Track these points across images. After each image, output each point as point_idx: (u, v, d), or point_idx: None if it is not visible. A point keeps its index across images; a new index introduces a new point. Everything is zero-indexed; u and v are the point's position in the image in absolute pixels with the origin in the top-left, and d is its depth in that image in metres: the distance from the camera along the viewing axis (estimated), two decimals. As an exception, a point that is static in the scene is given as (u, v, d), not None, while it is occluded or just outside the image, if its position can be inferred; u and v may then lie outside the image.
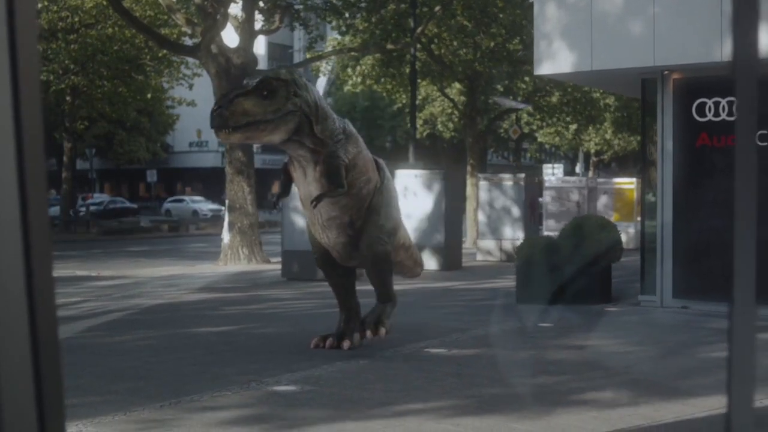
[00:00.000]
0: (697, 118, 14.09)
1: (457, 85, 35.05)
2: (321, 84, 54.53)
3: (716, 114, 13.96)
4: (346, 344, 10.60)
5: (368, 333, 10.69)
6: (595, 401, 8.15)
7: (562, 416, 7.61)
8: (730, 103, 13.80)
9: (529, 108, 37.90)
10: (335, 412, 7.77)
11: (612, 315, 13.88)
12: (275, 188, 11.38)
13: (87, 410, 7.73)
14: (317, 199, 9.99)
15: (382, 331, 10.71)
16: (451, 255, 22.56)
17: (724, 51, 13.32)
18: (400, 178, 23.07)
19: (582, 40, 14.63)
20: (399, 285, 19.12)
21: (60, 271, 21.78)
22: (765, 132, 12.74)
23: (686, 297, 14.37)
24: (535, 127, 45.96)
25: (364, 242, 10.61)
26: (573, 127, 45.09)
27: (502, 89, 36.22)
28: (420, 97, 42.73)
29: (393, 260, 11.12)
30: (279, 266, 20.98)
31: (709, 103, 14.00)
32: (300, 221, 20.27)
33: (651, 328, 12.67)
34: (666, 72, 14.38)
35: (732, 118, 12.59)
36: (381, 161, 11.34)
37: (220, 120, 9.26)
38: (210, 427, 7.33)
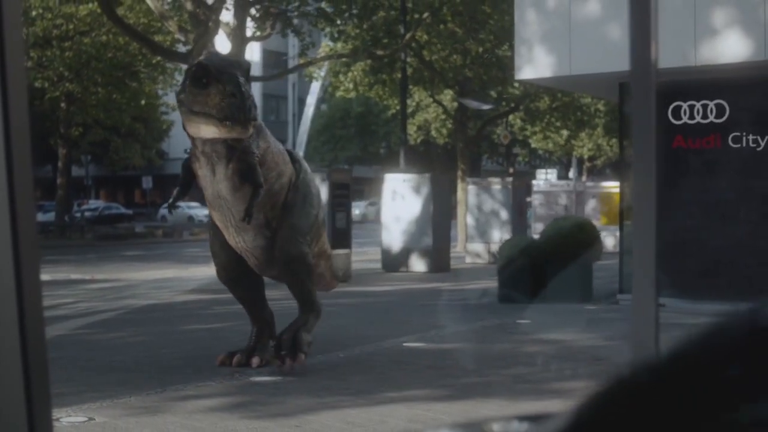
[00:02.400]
0: (673, 120, 14.50)
1: (449, 90, 35.49)
2: (314, 90, 54.94)
3: (691, 117, 14.37)
4: (255, 361, 9.70)
5: (287, 361, 9.31)
6: (564, 390, 8.53)
7: (531, 402, 8.00)
8: (704, 106, 14.23)
9: (497, 109, 38.11)
10: (313, 400, 8.16)
11: (590, 312, 14.28)
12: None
13: (76, 398, 8.12)
14: (247, 215, 9.11)
15: (301, 357, 9.36)
16: (438, 257, 22.95)
17: (698, 56, 13.75)
18: (389, 182, 23.52)
19: (561, 45, 15.05)
20: (386, 286, 19.63)
21: (55, 274, 22.15)
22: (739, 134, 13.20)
23: (664, 295, 14.75)
24: (528, 133, 46.37)
25: (276, 244, 9.72)
26: (565, 132, 45.50)
27: (495, 95, 36.66)
28: (413, 103, 43.16)
29: (312, 264, 10.10)
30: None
31: (684, 106, 14.41)
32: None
33: (625, 325, 13.06)
34: (643, 76, 14.79)
35: (706, 121, 12.98)
36: (296, 153, 10.72)
37: (247, 113, 8.53)
38: (193, 413, 7.70)
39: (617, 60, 14.59)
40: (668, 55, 14.10)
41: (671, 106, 14.53)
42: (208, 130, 8.77)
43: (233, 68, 8.71)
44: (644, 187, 4.18)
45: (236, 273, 10.13)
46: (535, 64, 15.50)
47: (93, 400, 8.13)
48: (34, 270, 3.91)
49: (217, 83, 8.50)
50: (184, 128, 9.19)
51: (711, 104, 14.22)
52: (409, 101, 40.46)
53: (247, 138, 8.99)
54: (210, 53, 9.31)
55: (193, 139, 9.20)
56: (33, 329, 3.64)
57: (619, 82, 15.26)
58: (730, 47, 13.59)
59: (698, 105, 14.27)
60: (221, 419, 7.53)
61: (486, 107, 32.49)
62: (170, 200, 9.88)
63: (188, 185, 9.69)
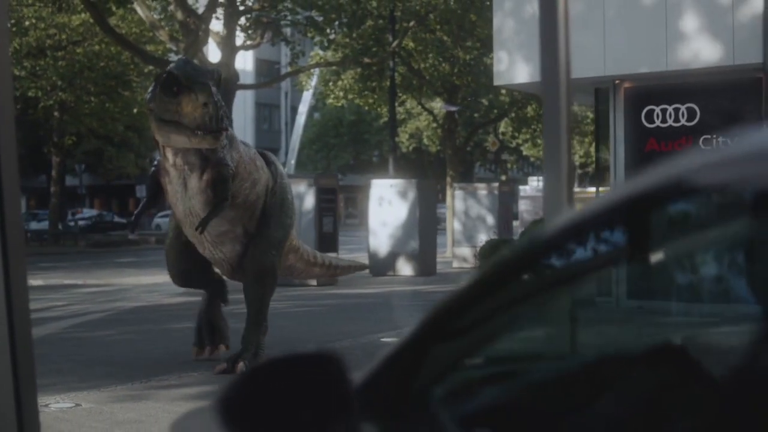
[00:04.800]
0: (646, 124, 14.93)
1: (439, 98, 35.96)
2: (306, 98, 55.35)
3: (663, 120, 14.80)
4: (218, 368, 9.40)
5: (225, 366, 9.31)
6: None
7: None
8: (676, 110, 14.65)
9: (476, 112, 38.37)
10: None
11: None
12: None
13: (64, 387, 8.57)
14: (203, 225, 9.01)
15: (240, 365, 9.27)
16: (425, 261, 23.35)
17: (669, 61, 14.19)
18: (376, 187, 23.95)
19: (536, 51, 15.47)
20: (372, 289, 20.02)
21: (48, 280, 22.58)
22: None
23: (641, 297, 15.15)
24: (520, 141, 46.79)
25: (250, 253, 9.63)
26: (553, 139, 45.85)
27: (486, 103, 37.14)
28: (405, 112, 43.64)
29: (277, 277, 10.27)
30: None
31: (657, 110, 14.84)
32: (278, 228, 21.09)
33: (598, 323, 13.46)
34: (617, 81, 15.22)
35: (678, 124, 13.44)
36: (270, 155, 10.41)
37: (219, 123, 8.49)
38: (175, 400, 8.12)
39: (592, 66, 15.03)
40: (641, 61, 14.56)
41: (644, 110, 14.96)
42: (179, 140, 8.60)
43: (205, 77, 8.60)
44: (554, 188, 4.71)
45: (193, 279, 10.49)
46: (512, 70, 15.94)
47: (80, 389, 8.58)
48: (21, 270, 4.42)
49: (188, 92, 8.36)
50: (154, 137, 9.06)
51: (682, 108, 14.64)
52: (400, 109, 40.94)
53: (219, 147, 8.81)
54: (181, 61, 9.05)
55: (163, 150, 8.99)
56: (20, 324, 4.14)
57: (594, 87, 15.70)
58: (700, 52, 14.03)
59: (670, 109, 14.70)
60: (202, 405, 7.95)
61: (453, 108, 32.87)
62: (133, 217, 10.15)
63: (155, 199, 9.59)
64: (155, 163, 9.56)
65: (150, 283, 22.26)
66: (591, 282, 2.01)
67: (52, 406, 7.92)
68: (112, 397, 8.25)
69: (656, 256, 1.86)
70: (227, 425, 1.81)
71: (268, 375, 1.86)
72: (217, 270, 10.45)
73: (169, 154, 8.98)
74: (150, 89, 8.96)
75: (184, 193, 9.06)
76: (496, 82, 16.56)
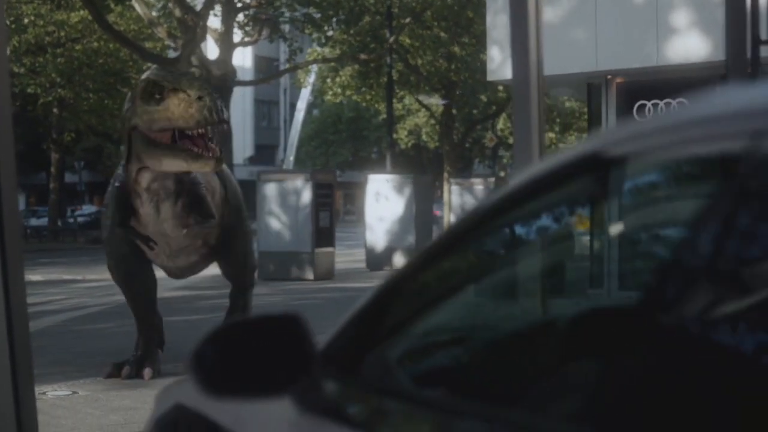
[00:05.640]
0: (638, 119, 15.11)
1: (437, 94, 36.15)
2: (305, 95, 55.51)
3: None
4: (147, 373, 8.83)
5: None
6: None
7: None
8: (667, 105, 14.81)
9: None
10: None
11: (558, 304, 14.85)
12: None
13: (62, 376, 8.77)
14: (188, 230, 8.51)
15: None
16: (421, 255, 23.51)
17: (660, 56, 14.36)
18: (373, 183, 24.14)
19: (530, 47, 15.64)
20: (368, 283, 20.18)
21: (47, 275, 22.77)
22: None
23: (632, 288, 15.35)
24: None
25: (231, 272, 9.50)
26: (551, 135, 46.09)
27: (485, 99, 37.30)
28: (404, 108, 43.81)
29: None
30: (257, 269, 21.94)
31: (648, 105, 15.00)
32: (275, 223, 21.29)
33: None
34: (609, 77, 15.39)
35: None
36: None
37: (220, 114, 7.62)
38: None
39: (585, 61, 15.20)
40: (632, 56, 14.72)
41: (636, 105, 15.12)
42: (174, 164, 7.81)
43: (188, 75, 8.14)
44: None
45: (132, 273, 9.30)
46: (505, 66, 16.10)
47: (77, 378, 8.76)
48: (18, 264, 4.61)
49: (175, 93, 7.52)
50: (130, 161, 8.18)
51: (674, 103, 14.81)
52: (398, 106, 41.12)
53: (216, 170, 8.25)
54: (154, 68, 8.66)
55: (136, 174, 8.18)
56: (18, 316, 4.33)
57: (587, 82, 15.86)
58: (691, 48, 14.19)
59: (661, 104, 14.86)
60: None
61: (441, 102, 33.04)
62: (106, 234, 9.01)
63: (126, 220, 8.57)
64: (117, 184, 8.67)
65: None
66: (524, 249, 2.19)
67: (50, 393, 8.10)
68: (108, 385, 8.44)
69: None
70: (198, 379, 1.98)
71: (238, 334, 2.03)
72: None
73: (144, 179, 8.18)
74: (126, 107, 8.18)
75: (157, 217, 8.37)
76: (490, 78, 16.72)
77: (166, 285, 19.76)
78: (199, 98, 7.41)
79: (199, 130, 7.56)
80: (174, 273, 9.68)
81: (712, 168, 1.50)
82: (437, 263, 2.04)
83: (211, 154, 7.56)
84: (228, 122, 8.24)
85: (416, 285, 2.10)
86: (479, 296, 2.16)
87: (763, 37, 3.95)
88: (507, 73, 16.30)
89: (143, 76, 8.25)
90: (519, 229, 2.02)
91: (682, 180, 1.64)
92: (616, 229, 2.05)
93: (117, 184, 8.66)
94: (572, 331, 1.91)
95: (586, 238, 2.20)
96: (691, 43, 14.08)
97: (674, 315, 1.41)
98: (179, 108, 7.45)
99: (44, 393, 8.01)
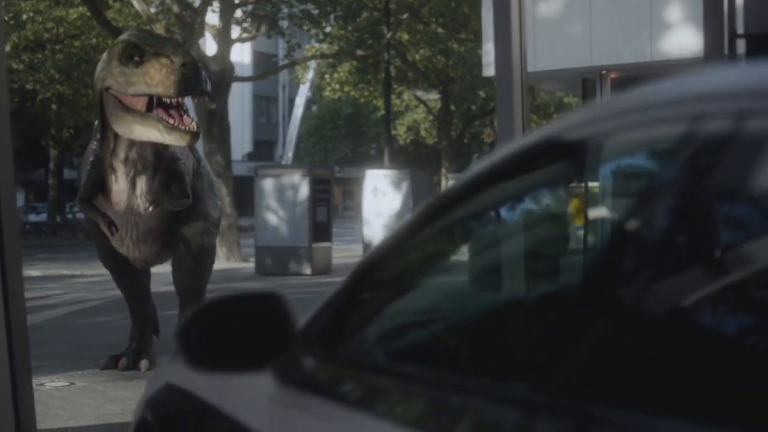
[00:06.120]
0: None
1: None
2: (303, 91, 55.59)
3: (649, 110, 15.09)
4: (144, 364, 8.77)
5: None
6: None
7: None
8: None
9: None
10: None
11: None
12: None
13: (60, 368, 8.87)
14: (154, 204, 7.83)
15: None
16: (419, 250, 23.62)
17: (653, 51, 14.46)
18: (370, 178, 24.24)
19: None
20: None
21: (46, 271, 22.88)
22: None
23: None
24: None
25: (186, 234, 8.30)
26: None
27: (483, 95, 37.39)
28: (402, 104, 43.89)
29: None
30: (255, 264, 22.04)
31: (643, 99, 15.13)
32: (272, 218, 21.39)
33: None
34: (604, 72, 15.49)
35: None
36: None
37: (204, 85, 7.03)
38: (166, 379, 8.39)
39: (580, 56, 15.31)
40: (626, 51, 14.83)
41: (630, 100, 15.23)
42: (146, 133, 7.22)
43: (174, 41, 7.49)
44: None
45: (121, 263, 8.84)
46: (502, 61, 16.21)
47: (75, 369, 8.87)
48: (16, 259, 4.73)
49: (156, 58, 6.96)
50: (106, 127, 7.61)
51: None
52: (397, 102, 41.21)
53: (191, 145, 7.51)
54: (135, 29, 7.90)
55: (113, 143, 7.61)
56: (16, 309, 4.45)
57: (582, 77, 15.97)
58: (685, 42, 14.29)
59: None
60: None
61: (435, 98, 33.17)
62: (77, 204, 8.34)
63: (92, 195, 7.94)
64: (93, 155, 8.05)
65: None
66: (484, 232, 2.30)
67: (48, 384, 8.21)
68: (105, 377, 8.54)
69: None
70: (185, 354, 2.09)
71: (221, 311, 2.14)
72: None
73: (122, 148, 7.59)
74: (100, 67, 7.52)
75: (131, 193, 7.72)
76: (486, 74, 16.84)
77: (163, 280, 19.90)
78: (183, 65, 6.85)
79: (178, 100, 7.05)
80: (137, 262, 8.75)
81: (658, 151, 1.60)
82: (405, 249, 2.15)
83: (186, 128, 7.05)
84: (209, 93, 7.65)
85: (389, 267, 2.20)
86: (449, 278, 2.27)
87: (739, 31, 4.05)
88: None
89: (122, 36, 7.68)
90: (482, 213, 2.13)
91: (632, 163, 1.74)
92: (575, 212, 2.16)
93: (92, 158, 8.00)
94: (534, 308, 2.02)
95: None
96: (684, 38, 14.17)
97: (628, 291, 1.50)
98: (160, 73, 6.89)
99: (42, 384, 8.11)
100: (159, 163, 7.71)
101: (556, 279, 2.08)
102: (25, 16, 33.30)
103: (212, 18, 27.22)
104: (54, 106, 38.51)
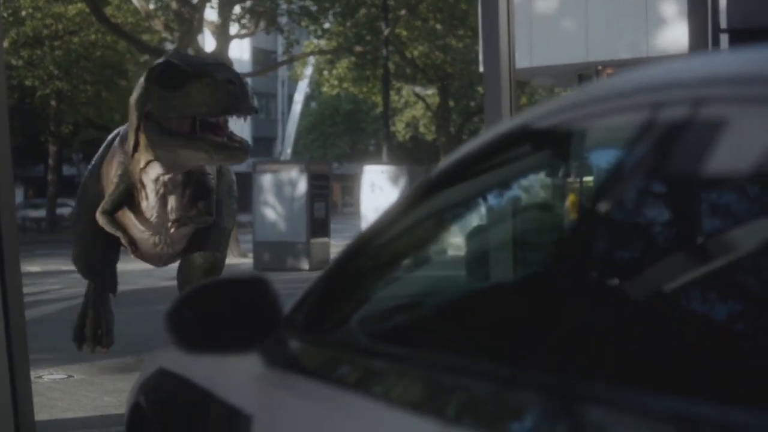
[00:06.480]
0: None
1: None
2: (302, 87, 55.63)
3: (645, 105, 15.17)
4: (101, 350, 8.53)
5: None
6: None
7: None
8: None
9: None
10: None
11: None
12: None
13: (58, 361, 8.96)
14: (179, 224, 7.45)
15: None
16: (416, 246, 23.72)
17: (649, 47, 14.53)
18: (368, 174, 24.32)
19: (522, 38, 15.79)
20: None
21: (45, 266, 22.94)
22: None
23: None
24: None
25: (200, 246, 7.87)
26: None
27: (482, 91, 37.40)
28: (402, 100, 43.95)
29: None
30: (253, 260, 22.12)
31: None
32: (270, 214, 21.47)
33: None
34: (600, 67, 15.56)
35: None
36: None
37: (250, 100, 6.55)
38: (164, 372, 8.48)
39: (576, 52, 15.39)
40: (622, 47, 14.90)
41: (626, 96, 15.31)
42: (192, 156, 6.74)
43: (214, 58, 6.87)
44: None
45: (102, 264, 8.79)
46: (498, 57, 16.28)
47: (73, 362, 8.94)
48: (14, 254, 4.81)
49: (198, 79, 6.45)
50: (137, 151, 7.04)
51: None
52: (396, 98, 41.27)
53: (242, 162, 7.00)
54: (174, 51, 7.57)
55: (145, 164, 7.08)
56: (13, 303, 4.54)
57: (578, 73, 16.04)
58: (680, 38, 14.36)
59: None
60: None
61: (428, 92, 33.23)
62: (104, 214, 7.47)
63: (118, 207, 7.47)
64: (121, 168, 7.38)
65: (146, 268, 22.49)
66: (462, 219, 2.38)
67: (46, 377, 8.30)
68: (103, 369, 8.63)
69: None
70: (173, 336, 2.17)
71: (209, 295, 2.22)
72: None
73: (155, 170, 7.09)
74: (137, 93, 6.99)
75: (162, 211, 7.36)
76: (482, 69, 16.88)
77: (161, 275, 19.97)
78: (228, 81, 6.39)
79: (224, 118, 6.62)
80: (164, 259, 8.39)
81: (622, 138, 1.68)
82: (385, 236, 2.23)
83: (236, 145, 6.60)
84: (257, 110, 6.87)
85: (371, 254, 2.28)
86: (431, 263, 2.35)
87: (723, 26, 4.13)
88: (499, 64, 16.55)
89: (160, 60, 7.17)
90: (456, 200, 2.21)
91: (599, 149, 1.82)
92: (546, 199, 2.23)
93: (119, 172, 7.38)
94: (512, 291, 2.09)
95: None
96: (680, 33, 14.21)
97: (598, 271, 1.58)
98: (202, 93, 6.41)
99: (40, 376, 8.20)
100: (188, 180, 7.30)
101: (532, 262, 2.15)
102: (24, 12, 33.36)
103: (211, 14, 27.29)
104: (53, 103, 38.57)
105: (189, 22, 24.93)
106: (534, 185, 2.14)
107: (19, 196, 46.31)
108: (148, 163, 7.01)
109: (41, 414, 6.19)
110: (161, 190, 7.16)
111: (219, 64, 6.79)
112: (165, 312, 2.22)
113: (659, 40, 14.47)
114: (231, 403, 2.34)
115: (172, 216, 7.36)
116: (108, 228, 7.52)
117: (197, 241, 7.86)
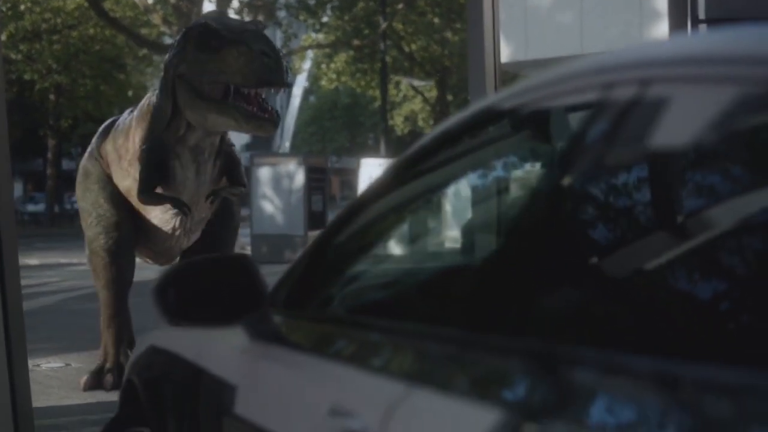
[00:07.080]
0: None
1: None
2: (301, 81, 55.69)
3: (639, 98, 15.25)
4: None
5: None
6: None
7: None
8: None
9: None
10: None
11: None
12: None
13: (55, 350, 9.08)
14: (215, 194, 7.20)
15: None
16: (414, 239, 23.80)
17: (643, 39, 14.61)
18: (366, 167, 24.39)
19: (517, 31, 15.90)
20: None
21: (44, 259, 23.03)
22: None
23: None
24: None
25: (215, 245, 7.77)
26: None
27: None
28: (400, 94, 44.01)
29: None
30: (251, 253, 22.22)
31: (633, 88, 15.29)
32: (268, 207, 21.57)
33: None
34: (594, 60, 15.65)
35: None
36: None
37: (285, 76, 6.36)
38: (160, 360, 8.57)
39: (570, 45, 15.46)
40: (615, 40, 14.97)
41: (621, 88, 15.39)
42: (222, 122, 6.60)
43: (254, 24, 6.83)
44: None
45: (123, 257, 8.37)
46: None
47: (70, 351, 9.06)
48: (12, 246, 4.91)
49: (235, 45, 6.31)
50: (175, 117, 6.85)
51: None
52: (394, 92, 41.34)
53: (271, 133, 7.00)
54: (214, 13, 7.45)
55: (184, 130, 6.89)
56: (12, 294, 4.64)
57: (573, 66, 16.14)
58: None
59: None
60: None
61: (423, 83, 33.31)
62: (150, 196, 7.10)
63: (157, 184, 7.10)
64: (146, 143, 7.10)
65: (142, 262, 22.68)
66: (436, 199, 2.49)
67: (43, 366, 8.40)
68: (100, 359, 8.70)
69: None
70: (160, 309, 2.27)
71: (195, 272, 2.32)
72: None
73: (193, 136, 6.93)
74: (173, 51, 6.87)
75: (196, 180, 7.11)
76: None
77: (158, 268, 20.13)
78: (264, 53, 6.22)
79: (256, 90, 6.46)
80: (173, 255, 8.25)
81: (577, 116, 1.78)
82: (362, 215, 2.33)
83: (267, 116, 6.47)
84: (290, 85, 6.81)
85: (349, 232, 2.38)
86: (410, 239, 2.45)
87: (701, 16, 4.22)
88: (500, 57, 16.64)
89: (198, 20, 7.07)
90: (430, 180, 2.31)
91: (559, 127, 1.92)
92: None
93: (151, 143, 7.05)
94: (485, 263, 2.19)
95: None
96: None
97: (565, 241, 1.68)
98: (238, 61, 6.27)
99: (38, 365, 8.31)
100: (220, 149, 7.18)
101: (498, 237, 2.25)
102: (22, 6, 33.42)
103: (209, 8, 27.37)
104: (52, 96, 38.64)
105: (187, 16, 25.00)
106: (501, 164, 2.24)
107: (18, 189, 46.40)
108: (187, 129, 6.88)
109: (38, 401, 6.30)
110: (198, 158, 7.01)
111: (257, 32, 6.51)
112: (153, 286, 2.32)
113: (654, 32, 14.55)
114: (218, 375, 2.45)
115: (204, 189, 7.14)
116: (155, 203, 7.22)
117: (211, 240, 7.76)
